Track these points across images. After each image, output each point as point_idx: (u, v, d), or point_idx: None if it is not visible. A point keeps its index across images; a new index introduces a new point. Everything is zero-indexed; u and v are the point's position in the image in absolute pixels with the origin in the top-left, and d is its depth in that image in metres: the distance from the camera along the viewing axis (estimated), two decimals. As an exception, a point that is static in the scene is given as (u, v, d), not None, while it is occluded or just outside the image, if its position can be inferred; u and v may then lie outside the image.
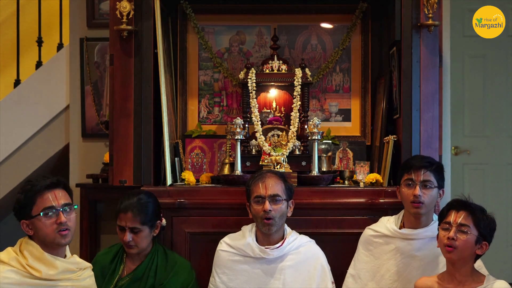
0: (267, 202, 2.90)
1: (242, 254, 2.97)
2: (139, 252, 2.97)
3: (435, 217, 2.95)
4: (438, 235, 2.61)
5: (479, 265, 2.73)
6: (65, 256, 2.51)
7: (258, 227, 2.96)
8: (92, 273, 2.62)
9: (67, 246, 2.54)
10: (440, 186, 2.91)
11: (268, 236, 2.96)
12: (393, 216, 3.05)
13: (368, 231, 3.05)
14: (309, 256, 2.99)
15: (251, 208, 2.97)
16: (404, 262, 2.92)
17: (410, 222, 2.94)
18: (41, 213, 2.42)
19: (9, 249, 2.47)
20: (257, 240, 2.98)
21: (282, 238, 2.99)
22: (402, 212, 3.01)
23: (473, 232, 2.51)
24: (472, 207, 2.56)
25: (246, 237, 2.99)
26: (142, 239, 2.94)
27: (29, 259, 2.40)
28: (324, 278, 2.97)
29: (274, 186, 2.93)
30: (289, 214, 3.01)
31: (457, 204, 2.58)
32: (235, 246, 2.99)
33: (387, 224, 3.00)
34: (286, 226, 3.03)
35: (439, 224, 2.63)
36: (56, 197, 2.46)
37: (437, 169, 2.91)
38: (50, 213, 2.43)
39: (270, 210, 2.88)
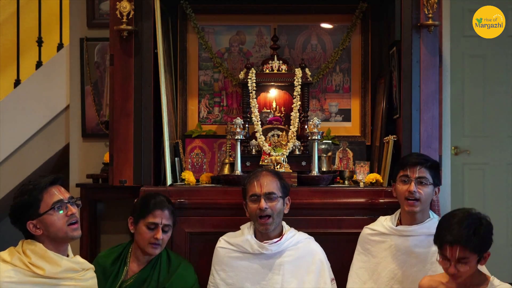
0: (262, 200, 2.91)
1: (240, 251, 2.98)
2: (159, 253, 2.97)
3: (432, 214, 2.97)
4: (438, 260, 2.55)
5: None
6: (67, 256, 2.51)
7: (256, 227, 2.97)
8: (95, 275, 2.61)
9: (69, 246, 2.54)
10: (436, 184, 2.92)
11: (266, 233, 2.96)
12: (391, 215, 3.06)
13: (365, 230, 3.07)
14: (307, 252, 2.99)
15: (247, 207, 2.98)
16: (401, 259, 2.93)
17: (406, 219, 2.95)
18: (55, 207, 2.44)
19: (11, 248, 2.47)
20: (255, 237, 2.99)
21: (280, 234, 2.99)
22: (399, 211, 3.02)
23: (472, 259, 2.46)
24: (465, 236, 2.44)
25: (244, 234, 3.00)
26: (167, 238, 2.98)
27: (32, 257, 2.40)
28: (323, 274, 2.97)
29: (269, 184, 2.94)
30: (286, 211, 3.02)
31: (450, 238, 2.46)
32: (234, 242, 3.00)
33: (384, 222, 3.02)
34: (284, 223, 3.04)
35: (435, 243, 2.56)
36: (61, 191, 2.50)
37: (433, 166, 2.92)
38: (60, 206, 2.46)
39: (266, 208, 2.90)
